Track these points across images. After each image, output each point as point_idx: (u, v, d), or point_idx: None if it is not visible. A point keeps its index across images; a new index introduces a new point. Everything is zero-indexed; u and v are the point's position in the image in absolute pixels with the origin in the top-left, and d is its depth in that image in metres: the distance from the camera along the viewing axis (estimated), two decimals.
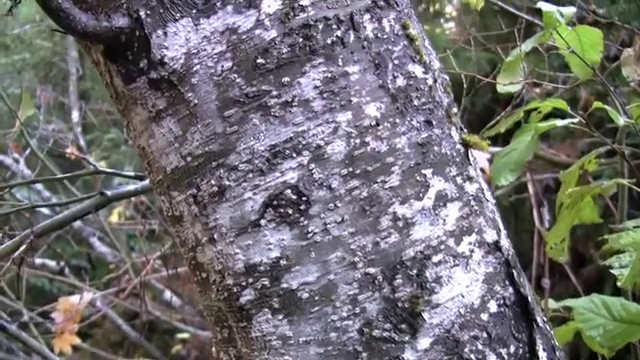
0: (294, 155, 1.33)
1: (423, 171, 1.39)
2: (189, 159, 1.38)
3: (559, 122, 1.70)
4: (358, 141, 1.35)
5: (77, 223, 5.83)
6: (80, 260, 6.49)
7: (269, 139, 1.33)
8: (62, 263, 5.45)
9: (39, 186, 5.79)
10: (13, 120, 4.64)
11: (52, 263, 5.53)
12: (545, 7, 2.07)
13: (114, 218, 5.75)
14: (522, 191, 4.84)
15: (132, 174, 2.66)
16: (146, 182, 2.45)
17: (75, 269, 6.29)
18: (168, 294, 5.42)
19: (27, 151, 5.75)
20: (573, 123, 1.73)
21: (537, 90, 4.30)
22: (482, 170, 1.73)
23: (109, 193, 2.36)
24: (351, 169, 1.35)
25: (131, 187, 2.53)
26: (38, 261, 5.00)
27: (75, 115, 6.25)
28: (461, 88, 2.76)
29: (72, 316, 3.44)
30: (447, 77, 1.52)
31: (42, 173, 4.85)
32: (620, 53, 4.23)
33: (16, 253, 1.95)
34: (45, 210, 5.92)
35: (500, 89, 1.93)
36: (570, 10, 2.11)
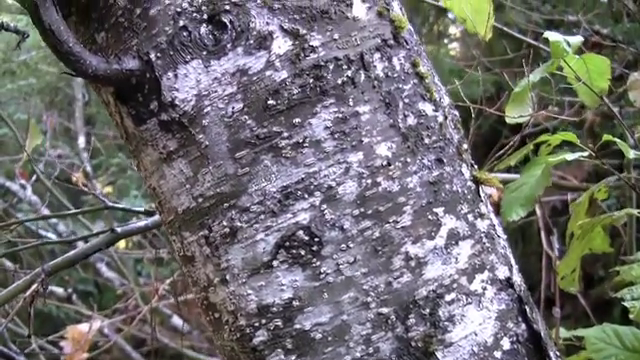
0: (306, 196, 1.33)
1: (435, 210, 1.39)
2: (200, 200, 1.38)
3: (569, 156, 1.69)
4: (370, 181, 1.35)
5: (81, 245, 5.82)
6: (87, 285, 6.48)
7: (281, 180, 1.33)
8: (69, 290, 5.44)
9: (46, 211, 5.77)
10: (20, 145, 4.65)
11: (59, 290, 5.53)
12: (552, 37, 2.07)
13: (121, 244, 5.75)
14: (530, 213, 4.84)
15: (142, 209, 2.66)
16: (156, 217, 2.46)
17: (82, 294, 6.28)
18: (176, 319, 5.40)
19: (34, 177, 5.75)
20: (583, 156, 1.72)
21: (544, 112, 4.30)
22: (489, 195, 1.73)
23: (119, 230, 2.36)
24: (363, 209, 1.34)
25: (141, 223, 2.52)
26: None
27: (81, 140, 6.25)
28: (467, 112, 2.76)
29: (81, 346, 3.44)
30: (457, 113, 1.53)
31: (50, 200, 4.86)
32: (625, 73, 4.24)
33: (28, 292, 1.95)
34: (52, 235, 5.93)
35: (509, 120, 1.92)
36: (577, 39, 2.11)
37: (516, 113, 1.93)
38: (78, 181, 4.84)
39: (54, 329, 5.13)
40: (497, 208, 1.78)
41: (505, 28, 3.75)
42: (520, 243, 5.17)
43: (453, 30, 7.06)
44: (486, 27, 1.90)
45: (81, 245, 2.58)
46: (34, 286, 1.95)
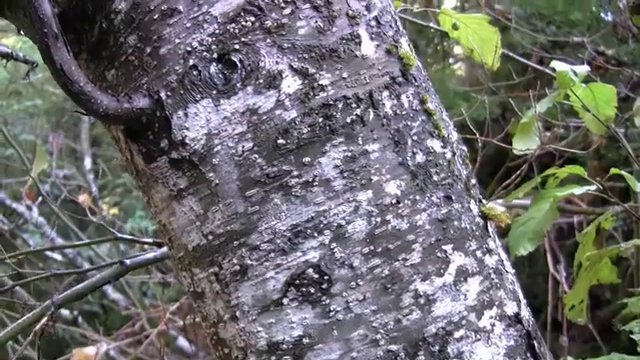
0: (315, 234, 1.34)
1: (444, 247, 1.40)
2: (211, 238, 1.38)
3: (577, 190, 1.70)
4: (379, 219, 1.35)
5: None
6: (92, 305, 6.49)
7: (290, 219, 1.34)
8: (75, 312, 5.45)
9: (52, 233, 5.79)
10: (26, 166, 4.66)
11: (66, 312, 5.53)
12: (559, 67, 2.08)
13: None
14: None
15: (151, 241, 2.67)
16: (165, 249, 2.46)
17: (88, 315, 6.29)
18: (182, 341, 5.41)
19: (40, 198, 5.77)
20: (590, 190, 1.73)
21: (547, 134, 4.31)
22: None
23: (128, 262, 2.36)
24: (372, 247, 1.35)
25: (150, 255, 2.53)
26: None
27: (87, 162, 6.27)
28: (475, 132, 2.76)
29: None
30: (465, 148, 1.53)
31: (56, 221, 4.87)
32: (630, 93, 4.24)
33: (38, 326, 1.96)
34: (58, 256, 5.94)
35: (517, 152, 1.93)
36: (584, 69, 2.13)
37: (523, 144, 1.93)
38: (85, 204, 4.85)
39: (59, 351, 5.14)
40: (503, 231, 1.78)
41: (511, 53, 3.76)
42: (526, 264, 5.17)
43: (458, 50, 7.08)
44: (494, 57, 1.91)
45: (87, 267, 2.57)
46: (44, 319, 1.96)
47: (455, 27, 1.93)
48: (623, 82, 5.03)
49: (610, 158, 4.87)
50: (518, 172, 2.12)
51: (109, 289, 5.91)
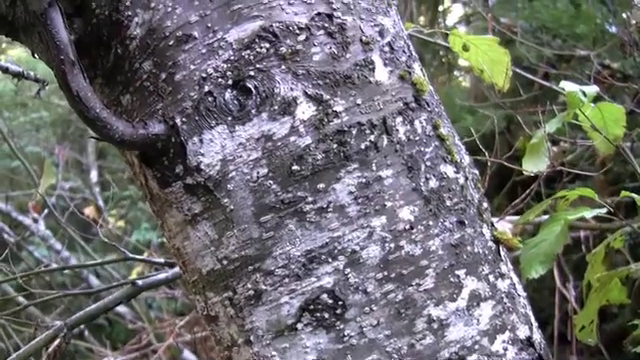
0: (330, 260, 1.35)
1: (457, 272, 1.40)
2: (225, 262, 1.39)
3: (587, 213, 1.71)
4: (393, 245, 1.36)
5: (95, 282, 5.85)
6: (98, 318, 6.48)
7: (305, 244, 1.35)
8: (82, 325, 5.44)
9: (58, 246, 5.81)
10: (32, 178, 4.67)
11: None
12: (568, 87, 2.09)
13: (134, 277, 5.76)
14: None
15: (162, 261, 2.68)
16: (176, 270, 2.47)
17: (93, 327, 6.29)
18: (188, 354, 5.41)
19: (46, 210, 5.78)
20: (601, 213, 1.74)
21: (554, 149, 4.31)
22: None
23: (140, 283, 2.37)
24: (386, 273, 1.36)
25: (162, 275, 2.54)
26: (58, 323, 4.99)
27: (94, 174, 6.28)
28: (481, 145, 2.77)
29: None
30: (477, 172, 1.54)
31: (62, 233, 4.88)
32: (636, 108, 4.25)
33: (50, 348, 1.96)
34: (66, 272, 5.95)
35: (526, 173, 1.94)
36: (593, 89, 2.13)
37: (533, 164, 1.94)
38: (91, 216, 4.86)
39: None
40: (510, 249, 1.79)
41: (517, 69, 3.76)
42: (533, 278, 5.15)
43: (463, 62, 7.08)
44: (504, 78, 1.92)
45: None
46: (57, 341, 1.97)
47: (465, 48, 1.94)
48: (629, 95, 5.03)
49: (616, 172, 4.87)
50: (527, 192, 2.13)
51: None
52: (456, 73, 7.35)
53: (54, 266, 5.71)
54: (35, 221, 5.87)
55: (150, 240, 6.39)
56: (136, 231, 6.63)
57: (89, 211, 5.98)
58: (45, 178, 3.53)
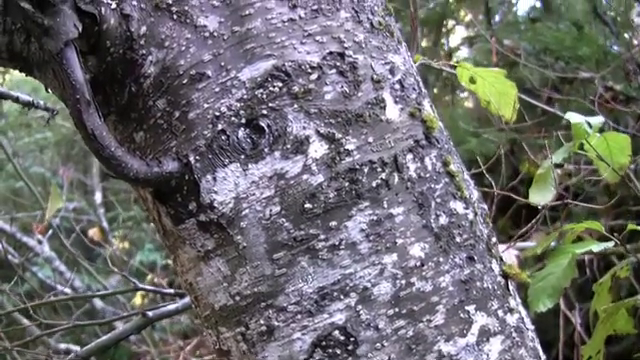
0: (342, 297, 1.36)
1: (466, 308, 1.42)
2: (238, 298, 1.41)
3: (595, 247, 1.72)
4: (404, 282, 1.38)
5: (99, 303, 5.86)
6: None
7: (317, 281, 1.36)
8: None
9: (62, 267, 5.82)
10: (36, 198, 4.69)
11: (76, 348, 5.53)
12: (573, 118, 2.11)
13: (137, 300, 5.78)
14: None
15: (172, 292, 2.69)
16: (186, 300, 2.48)
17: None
18: None
19: (50, 231, 5.79)
20: (607, 248, 1.75)
21: (559, 171, 4.33)
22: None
23: (151, 314, 2.39)
24: (397, 309, 1.37)
25: (172, 306, 2.55)
26: (62, 346, 5.01)
27: (98, 196, 6.30)
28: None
29: None
30: (485, 207, 1.56)
31: (68, 256, 4.88)
32: (638, 133, 4.26)
33: None
34: (67, 289, 5.95)
35: (533, 205, 1.96)
36: (598, 120, 2.15)
37: (540, 195, 1.96)
38: (94, 237, 4.87)
39: None
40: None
41: (522, 95, 3.78)
42: None
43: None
44: (512, 111, 1.94)
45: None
46: None
47: (472, 80, 1.96)
48: (632, 118, 5.05)
49: (620, 195, 4.88)
50: (533, 222, 2.14)
51: (119, 323, 5.91)
52: (459, 93, 7.36)
53: (59, 287, 5.73)
54: (39, 242, 5.88)
55: (154, 261, 6.40)
56: (140, 252, 6.63)
57: (93, 232, 6.00)
58: (52, 203, 3.54)
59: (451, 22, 6.58)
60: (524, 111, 4.44)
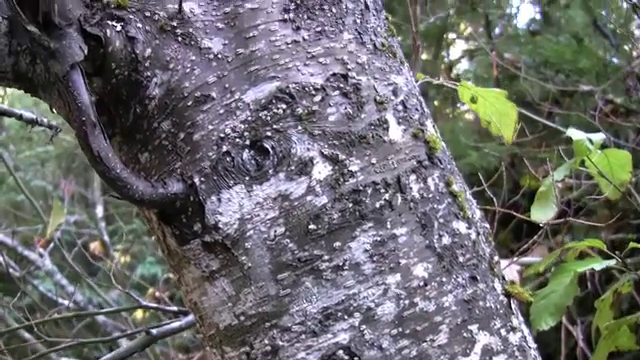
0: (346, 317, 1.37)
1: (469, 327, 1.43)
2: (242, 318, 1.42)
3: (597, 265, 1.73)
4: (407, 302, 1.39)
5: (101, 318, 5.85)
6: (102, 354, 6.48)
7: (321, 302, 1.37)
8: None
9: (64, 281, 5.82)
10: (37, 211, 4.69)
11: None
12: (575, 135, 2.12)
13: (138, 314, 5.77)
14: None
15: (176, 309, 2.70)
16: (190, 318, 2.49)
17: None
18: None
19: (51, 244, 5.79)
20: (610, 265, 1.76)
21: (560, 185, 4.33)
22: (512, 282, 1.76)
23: (154, 332, 2.39)
24: (401, 329, 1.38)
25: (176, 324, 2.56)
26: None
27: (99, 210, 6.30)
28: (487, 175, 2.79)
29: None
30: (488, 226, 1.57)
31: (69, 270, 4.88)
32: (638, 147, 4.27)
33: None
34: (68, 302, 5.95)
35: (534, 221, 1.97)
36: (599, 136, 2.16)
37: (542, 213, 1.97)
38: (95, 251, 4.88)
39: None
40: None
41: (523, 110, 3.80)
42: None
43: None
44: (513, 131, 1.95)
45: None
46: None
47: (474, 100, 1.97)
48: (633, 131, 5.06)
49: (621, 207, 4.89)
50: (534, 239, 2.15)
51: (122, 341, 5.90)
52: (460, 106, 7.37)
53: (60, 301, 5.74)
54: (41, 256, 5.88)
55: (155, 274, 6.40)
56: (141, 265, 6.63)
57: (94, 246, 6.00)
58: (54, 218, 3.56)
59: (451, 35, 6.60)
60: (525, 125, 4.46)
